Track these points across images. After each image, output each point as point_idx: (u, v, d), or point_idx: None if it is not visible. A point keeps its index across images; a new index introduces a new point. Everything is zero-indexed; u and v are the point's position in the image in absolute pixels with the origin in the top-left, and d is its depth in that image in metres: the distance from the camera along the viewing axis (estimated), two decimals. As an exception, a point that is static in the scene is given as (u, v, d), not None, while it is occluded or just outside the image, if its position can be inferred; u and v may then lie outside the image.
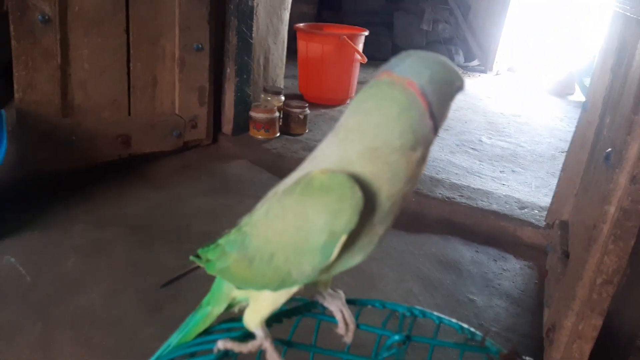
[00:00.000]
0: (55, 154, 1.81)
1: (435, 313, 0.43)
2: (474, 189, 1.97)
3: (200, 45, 2.05)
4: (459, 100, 3.11)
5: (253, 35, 2.25)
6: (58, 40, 1.71)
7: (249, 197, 1.93)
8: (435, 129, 0.41)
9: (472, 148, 2.60)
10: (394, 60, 0.43)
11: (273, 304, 0.44)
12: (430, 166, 2.27)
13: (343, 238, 0.39)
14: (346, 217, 0.39)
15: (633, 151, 0.86)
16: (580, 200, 1.41)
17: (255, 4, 2.21)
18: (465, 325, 0.43)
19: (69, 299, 1.29)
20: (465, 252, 1.64)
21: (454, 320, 0.43)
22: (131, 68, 1.93)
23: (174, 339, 0.50)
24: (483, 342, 0.42)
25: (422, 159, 0.41)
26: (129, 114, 1.98)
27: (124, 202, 1.81)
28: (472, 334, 0.43)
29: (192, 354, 0.43)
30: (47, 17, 1.66)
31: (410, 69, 0.41)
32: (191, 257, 0.55)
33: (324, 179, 0.40)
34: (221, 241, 0.52)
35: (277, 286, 0.44)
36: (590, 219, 1.06)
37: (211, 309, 0.52)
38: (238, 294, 0.51)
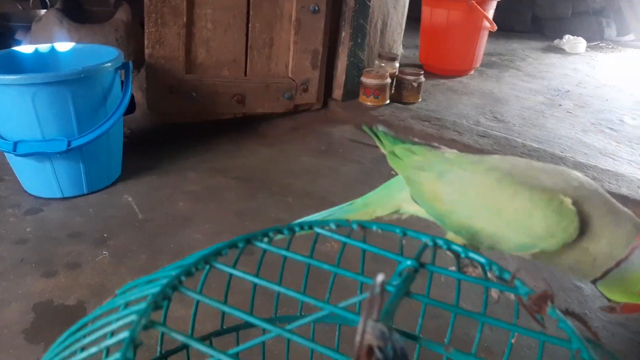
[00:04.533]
0: (178, 107, 1.97)
1: (463, 247, 0.38)
2: (602, 169, 1.74)
3: (316, 7, 2.06)
4: (602, 77, 2.77)
5: (371, -2, 2.20)
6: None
7: (350, 161, 1.93)
8: None
9: (610, 128, 2.30)
10: None
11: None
12: (555, 144, 2.05)
13: (547, 247, 0.50)
14: (560, 240, 0.50)
15: None
16: None
17: (375, -34, 2.16)
18: (495, 262, 0.37)
19: (174, 236, 1.40)
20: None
21: (482, 256, 0.37)
22: (250, 28, 2.00)
23: (321, 215, 0.58)
24: (512, 281, 0.36)
25: None
26: (245, 74, 2.07)
27: (237, 155, 1.92)
28: (501, 270, 0.37)
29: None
30: (176, -22, 1.78)
31: None
32: (365, 128, 0.64)
33: (567, 203, 0.51)
34: (415, 148, 0.60)
35: (455, 229, 0.54)
36: None
37: (374, 209, 0.61)
38: (409, 208, 0.60)
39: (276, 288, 0.33)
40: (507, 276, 0.36)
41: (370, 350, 0.27)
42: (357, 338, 0.27)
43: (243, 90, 2.06)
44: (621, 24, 4.09)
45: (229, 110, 2.08)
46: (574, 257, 0.51)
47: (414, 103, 2.38)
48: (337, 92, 2.33)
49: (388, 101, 2.33)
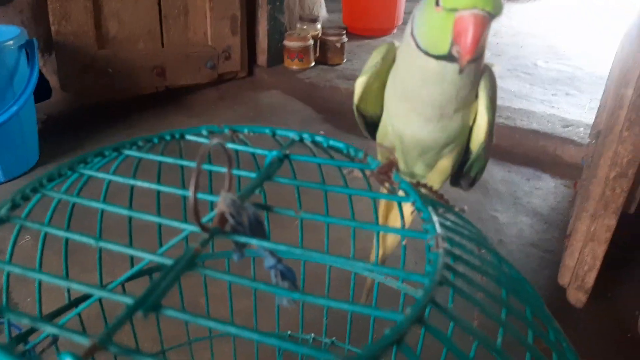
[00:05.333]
0: (94, 85, 1.89)
1: (325, 137, 0.41)
2: (514, 109, 1.84)
3: (229, -28, 2.02)
4: (517, 26, 2.87)
5: (285, -41, 2.18)
6: (87, -30, 1.75)
7: (278, 124, 1.93)
8: None
9: (525, 72, 2.41)
10: None
11: None
12: (474, 91, 2.14)
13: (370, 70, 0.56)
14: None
15: (652, 20, 0.75)
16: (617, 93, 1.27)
17: None
18: (352, 145, 0.41)
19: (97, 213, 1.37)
20: (496, 172, 1.55)
21: (340, 142, 0.40)
22: (162, -3, 1.94)
23: None
24: (365, 159, 0.39)
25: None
26: (162, 45, 2.01)
27: (161, 129, 1.87)
28: (356, 151, 0.40)
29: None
30: (74, -53, 1.69)
31: None
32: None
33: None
34: None
35: None
36: (613, 110, 0.95)
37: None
38: None
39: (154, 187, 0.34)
40: (360, 155, 0.39)
41: (222, 216, 0.29)
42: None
43: (162, 62, 2.01)
44: (535, -24, 4.26)
45: (150, 85, 2.03)
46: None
47: (339, 64, 2.40)
48: (262, 58, 2.31)
49: (313, 63, 2.34)
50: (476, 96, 0.52)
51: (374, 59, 0.55)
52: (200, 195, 0.31)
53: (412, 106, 0.52)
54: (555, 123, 1.70)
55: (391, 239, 0.66)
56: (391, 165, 0.38)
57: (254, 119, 1.99)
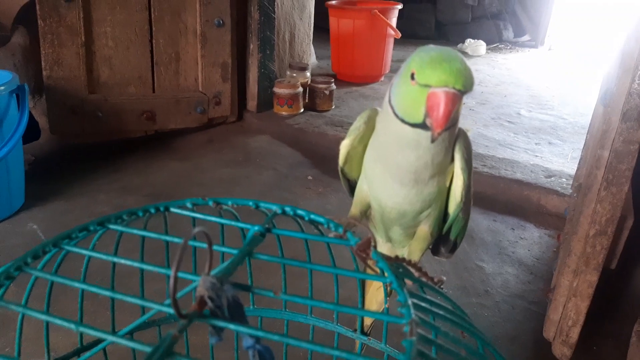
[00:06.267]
0: (83, 129, 1.90)
1: (307, 211, 0.42)
2: (498, 158, 1.87)
3: (221, 21, 2.07)
4: (501, 76, 2.95)
5: (276, 10, 2.25)
6: (81, 18, 1.79)
7: (267, 169, 1.95)
8: None
9: (509, 121, 2.47)
10: None
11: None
12: (459, 139, 2.18)
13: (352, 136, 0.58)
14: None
15: (625, 86, 0.78)
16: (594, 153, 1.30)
17: (277, -21, 2.21)
18: (332, 219, 0.41)
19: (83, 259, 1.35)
20: (482, 221, 1.56)
21: (321, 216, 0.41)
22: (154, 44, 1.98)
23: None
24: (344, 234, 0.41)
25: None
26: (154, 90, 2.04)
27: (148, 172, 1.88)
28: (336, 226, 0.41)
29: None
30: (70, -4, 1.74)
31: None
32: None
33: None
34: None
35: None
36: (590, 169, 0.97)
37: None
38: None
39: (136, 265, 0.34)
40: (341, 230, 0.40)
41: (202, 301, 0.29)
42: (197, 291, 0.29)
43: (152, 107, 2.03)
44: (517, 26, 4.42)
45: (140, 128, 2.04)
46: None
47: (327, 110, 2.44)
48: (252, 104, 2.35)
49: (302, 110, 2.38)
50: (452, 159, 0.54)
51: (357, 123, 0.58)
52: (181, 274, 0.32)
53: (388, 170, 0.54)
54: (539, 173, 1.74)
55: (375, 307, 0.66)
56: (369, 242, 0.39)
57: (242, 163, 2.00)
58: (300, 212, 0.42)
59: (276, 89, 2.31)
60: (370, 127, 0.57)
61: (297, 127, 2.22)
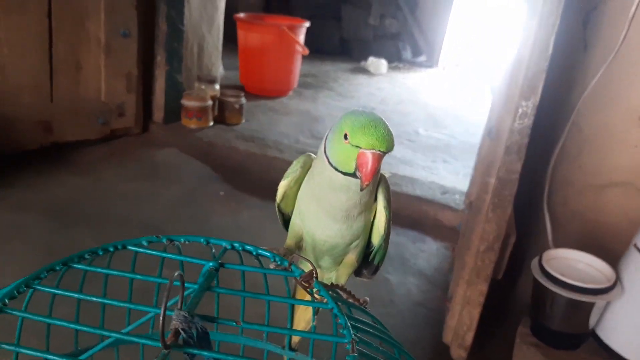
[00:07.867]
0: (-32, 140, 1.74)
1: (254, 247, 0.47)
2: (400, 176, 2.01)
3: (127, 32, 2.01)
4: (401, 94, 3.13)
5: (185, 22, 2.23)
6: (-31, 21, 1.64)
7: (174, 183, 1.92)
8: None
9: (408, 139, 2.65)
10: None
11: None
12: (364, 155, 2.30)
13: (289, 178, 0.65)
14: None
15: (507, 124, 0.90)
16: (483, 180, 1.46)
17: (186, -9, 2.19)
18: (277, 254, 0.48)
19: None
20: (386, 235, 1.67)
21: (268, 251, 0.49)
22: (53, 52, 1.87)
23: None
24: (289, 267, 0.48)
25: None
26: (52, 100, 1.92)
27: (44, 188, 1.76)
28: (282, 260, 0.48)
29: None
30: (-45, -4, 1.59)
31: None
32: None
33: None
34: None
35: None
36: (480, 194, 1.10)
37: None
38: None
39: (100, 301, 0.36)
40: (286, 264, 0.46)
41: (177, 332, 0.35)
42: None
43: (49, 117, 1.91)
44: (415, 47, 4.75)
45: (34, 140, 1.91)
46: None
47: (237, 124, 2.45)
48: (158, 115, 2.29)
49: (212, 123, 2.37)
50: (375, 199, 0.62)
51: (294, 167, 0.66)
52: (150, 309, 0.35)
53: (322, 208, 0.62)
54: (435, 190, 1.90)
55: (302, 326, 0.72)
56: (311, 274, 0.46)
57: (148, 177, 1.95)
58: (248, 247, 0.48)
59: (184, 101, 2.27)
60: (305, 170, 0.66)
61: (206, 141, 2.21)
